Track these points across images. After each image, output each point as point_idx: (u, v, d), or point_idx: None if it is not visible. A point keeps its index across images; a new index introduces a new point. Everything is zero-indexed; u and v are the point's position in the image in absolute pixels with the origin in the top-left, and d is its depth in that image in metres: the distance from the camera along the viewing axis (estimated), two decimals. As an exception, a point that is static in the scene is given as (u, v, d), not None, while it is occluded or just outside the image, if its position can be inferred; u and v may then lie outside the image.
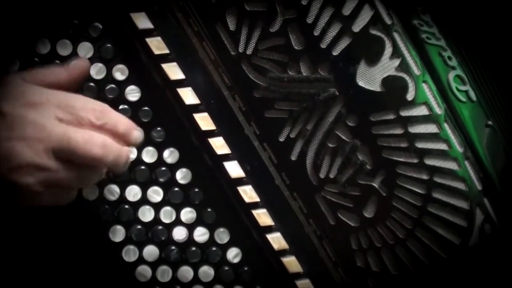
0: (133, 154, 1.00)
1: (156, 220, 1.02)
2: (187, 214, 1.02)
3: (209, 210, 1.02)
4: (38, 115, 0.86)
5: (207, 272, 1.02)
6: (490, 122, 1.00)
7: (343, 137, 0.97)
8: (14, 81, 0.88)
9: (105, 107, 0.91)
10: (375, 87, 0.95)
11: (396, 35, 0.95)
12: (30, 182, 0.85)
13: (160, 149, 1.00)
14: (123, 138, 0.91)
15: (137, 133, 0.93)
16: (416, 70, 0.95)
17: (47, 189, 0.86)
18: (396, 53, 0.94)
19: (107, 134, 0.90)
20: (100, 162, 0.88)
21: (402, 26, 0.95)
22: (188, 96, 0.98)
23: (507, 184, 0.99)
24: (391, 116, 0.95)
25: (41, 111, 0.86)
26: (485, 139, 0.99)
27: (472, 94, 0.99)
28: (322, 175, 0.98)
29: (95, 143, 0.87)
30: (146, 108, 1.00)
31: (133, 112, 1.00)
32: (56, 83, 0.92)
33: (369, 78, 0.95)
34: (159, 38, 0.97)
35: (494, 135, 1.00)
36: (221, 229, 1.03)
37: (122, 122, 0.91)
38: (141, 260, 1.01)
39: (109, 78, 0.99)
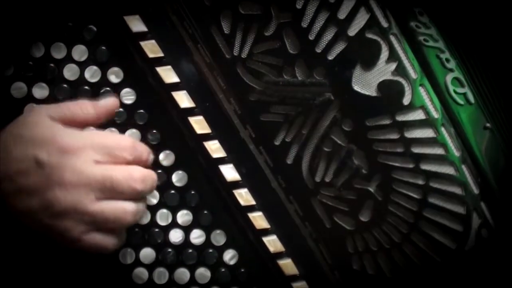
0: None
1: (153, 222, 1.02)
2: (183, 216, 1.02)
3: (205, 212, 1.02)
4: (75, 161, 0.86)
5: (203, 274, 1.03)
6: (488, 125, 0.99)
7: (338, 141, 0.96)
8: (44, 124, 0.88)
9: (133, 142, 0.92)
10: (371, 91, 0.94)
11: (392, 38, 0.93)
12: (69, 227, 0.86)
13: (155, 152, 1.00)
14: (145, 163, 0.93)
15: (152, 156, 0.94)
16: (413, 74, 0.94)
17: (88, 234, 0.87)
18: (393, 56, 0.93)
19: (143, 165, 0.92)
20: (141, 195, 0.91)
21: (399, 29, 0.94)
22: (183, 99, 0.98)
23: (505, 188, 0.98)
24: (387, 121, 0.94)
25: (77, 156, 0.87)
26: (484, 142, 0.98)
27: (471, 97, 0.98)
28: (317, 179, 0.98)
29: (135, 178, 0.89)
30: (141, 111, 0.99)
31: (128, 115, 0.99)
32: (83, 122, 0.92)
33: (365, 83, 0.94)
34: (153, 41, 0.97)
35: (493, 137, 0.99)
36: (218, 231, 1.03)
37: (145, 150, 0.93)
38: (137, 263, 1.02)
39: (104, 81, 0.99)
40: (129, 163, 0.90)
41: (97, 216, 0.87)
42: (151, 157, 0.94)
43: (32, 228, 0.87)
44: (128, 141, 0.91)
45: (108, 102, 0.93)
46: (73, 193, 0.85)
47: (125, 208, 0.89)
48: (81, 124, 0.91)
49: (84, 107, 0.91)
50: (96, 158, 0.88)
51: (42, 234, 0.88)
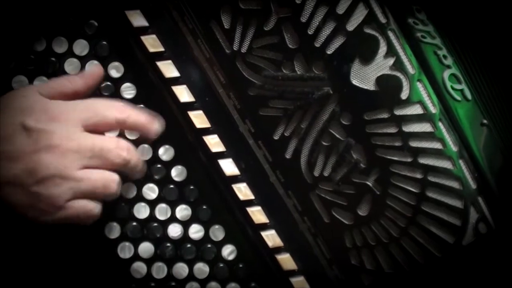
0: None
1: (151, 217, 1.02)
2: (182, 211, 1.02)
3: (204, 207, 1.02)
4: (63, 127, 0.87)
5: (202, 269, 1.03)
6: (485, 121, 0.99)
7: (337, 135, 0.97)
8: (33, 97, 0.90)
9: (124, 103, 0.95)
10: (369, 86, 0.95)
11: (390, 34, 0.94)
12: (56, 193, 0.86)
13: (155, 146, 1.01)
14: (145, 129, 0.96)
15: (158, 124, 0.97)
16: (410, 69, 0.95)
17: (71, 203, 0.88)
18: (391, 52, 0.94)
19: (132, 128, 0.95)
20: (126, 166, 0.92)
21: (397, 25, 0.95)
22: (183, 94, 0.99)
23: (502, 183, 0.99)
24: (385, 115, 0.95)
25: (66, 123, 0.88)
26: (481, 138, 0.99)
27: (468, 93, 0.99)
28: (316, 173, 0.98)
29: (122, 146, 0.92)
30: (141, 105, 1.00)
31: (129, 109, 1.00)
32: (73, 93, 0.93)
33: (363, 77, 0.94)
34: (154, 36, 0.98)
35: (490, 133, 1.00)
36: (216, 226, 1.03)
37: (143, 113, 0.95)
38: (136, 257, 1.02)
39: (105, 75, 0.99)
40: (123, 124, 0.93)
41: (83, 182, 0.87)
42: (157, 125, 0.96)
43: (17, 206, 0.86)
44: (117, 102, 0.94)
45: (94, 69, 0.96)
46: (60, 159, 0.85)
47: (112, 177, 0.91)
48: (71, 96, 0.92)
49: (71, 79, 0.94)
50: (84, 123, 0.89)
51: (26, 213, 0.87)
